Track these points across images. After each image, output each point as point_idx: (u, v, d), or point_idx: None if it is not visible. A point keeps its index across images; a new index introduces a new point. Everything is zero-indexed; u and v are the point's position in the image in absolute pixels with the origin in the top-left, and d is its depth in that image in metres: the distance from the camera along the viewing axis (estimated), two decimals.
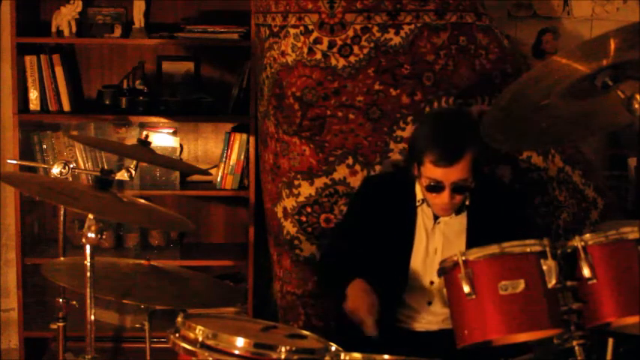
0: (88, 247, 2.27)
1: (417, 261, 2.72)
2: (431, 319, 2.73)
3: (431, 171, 2.57)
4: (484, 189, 2.72)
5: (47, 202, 3.64)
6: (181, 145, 4.07)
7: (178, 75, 4.07)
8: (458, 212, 2.70)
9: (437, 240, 2.72)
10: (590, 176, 3.40)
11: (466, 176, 2.56)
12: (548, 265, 2.12)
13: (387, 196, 2.79)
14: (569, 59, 2.02)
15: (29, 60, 3.83)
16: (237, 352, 2.04)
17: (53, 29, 3.86)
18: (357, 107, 3.23)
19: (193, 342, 2.08)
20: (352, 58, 3.22)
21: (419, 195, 2.73)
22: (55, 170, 2.88)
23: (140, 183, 3.89)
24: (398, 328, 2.74)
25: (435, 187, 2.59)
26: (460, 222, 2.72)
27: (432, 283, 2.71)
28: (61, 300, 3.03)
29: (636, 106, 2.02)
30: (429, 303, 2.72)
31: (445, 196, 2.58)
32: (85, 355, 2.35)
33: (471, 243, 2.66)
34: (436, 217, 2.71)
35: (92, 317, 2.30)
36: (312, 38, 3.23)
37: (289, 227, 3.32)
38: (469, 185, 2.59)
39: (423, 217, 2.73)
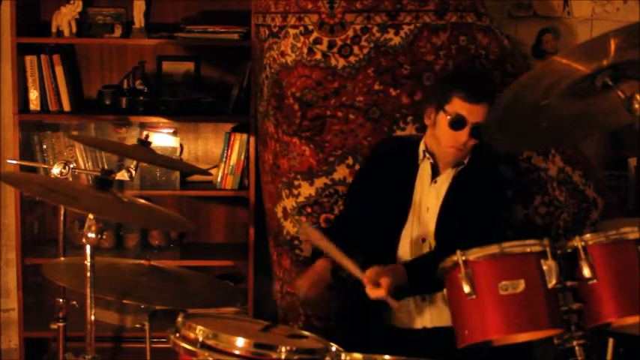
0: (88, 247, 2.27)
1: (412, 219, 2.79)
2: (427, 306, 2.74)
3: (458, 106, 2.69)
4: (479, 161, 2.81)
5: (47, 202, 3.64)
6: (181, 145, 4.07)
7: (178, 75, 4.07)
8: (454, 167, 2.79)
9: (431, 198, 2.79)
10: (590, 176, 3.40)
11: (484, 120, 2.66)
12: (549, 265, 2.12)
13: (391, 152, 2.91)
14: (569, 59, 2.02)
15: (29, 60, 3.83)
16: (237, 352, 2.04)
17: (53, 29, 3.85)
18: (357, 107, 3.23)
19: (193, 342, 2.08)
20: (352, 58, 3.22)
21: (421, 150, 2.82)
22: (55, 170, 2.88)
23: (140, 183, 3.89)
24: (397, 328, 2.74)
25: (459, 122, 2.69)
26: (449, 182, 2.80)
27: (423, 240, 2.77)
28: (61, 300, 3.03)
29: (636, 106, 2.02)
30: None
31: (464, 133, 2.69)
32: (85, 355, 2.35)
33: (446, 203, 2.76)
34: (434, 175, 2.79)
35: (92, 317, 2.30)
36: (311, 38, 3.23)
37: (289, 227, 3.32)
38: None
39: (423, 174, 2.81)
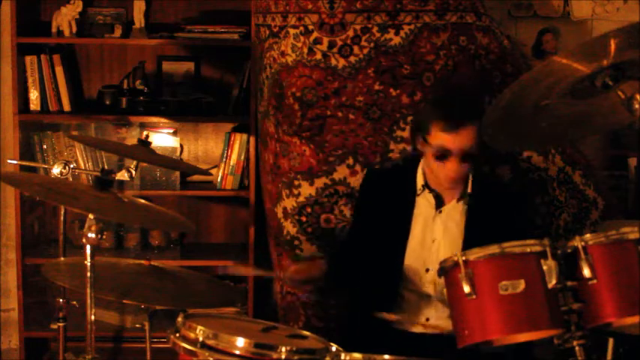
0: (88, 247, 2.27)
1: (413, 250, 2.74)
2: (430, 314, 2.74)
3: (439, 138, 2.60)
4: (485, 184, 2.77)
5: (47, 202, 3.64)
6: (181, 145, 4.07)
7: (178, 75, 4.07)
8: (460, 199, 2.72)
9: (437, 230, 2.73)
10: (590, 176, 3.40)
11: (472, 144, 2.59)
12: (549, 265, 2.12)
13: (386, 185, 2.84)
14: (569, 59, 2.01)
15: (29, 60, 3.83)
16: (237, 352, 2.04)
17: (53, 29, 3.86)
18: (357, 107, 3.23)
19: (194, 342, 2.08)
20: (352, 58, 3.22)
21: (419, 183, 2.75)
22: (55, 170, 2.88)
23: (140, 183, 3.89)
24: (395, 330, 2.74)
25: (443, 155, 2.61)
26: (461, 212, 2.74)
27: (427, 270, 2.72)
28: (61, 300, 3.03)
29: (636, 106, 2.02)
30: (427, 296, 2.73)
31: (453, 162, 2.60)
32: (85, 355, 2.35)
33: (469, 235, 2.70)
34: (438, 206, 2.73)
35: (92, 317, 2.30)
36: (312, 38, 3.23)
37: (289, 227, 3.32)
38: (475, 154, 2.61)
39: (425, 205, 2.75)
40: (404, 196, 2.77)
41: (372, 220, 2.81)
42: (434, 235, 2.73)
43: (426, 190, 2.74)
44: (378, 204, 2.81)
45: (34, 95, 3.85)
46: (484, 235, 2.63)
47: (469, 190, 2.72)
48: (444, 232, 2.73)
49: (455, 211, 2.74)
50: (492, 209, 2.72)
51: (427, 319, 2.73)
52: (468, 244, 2.67)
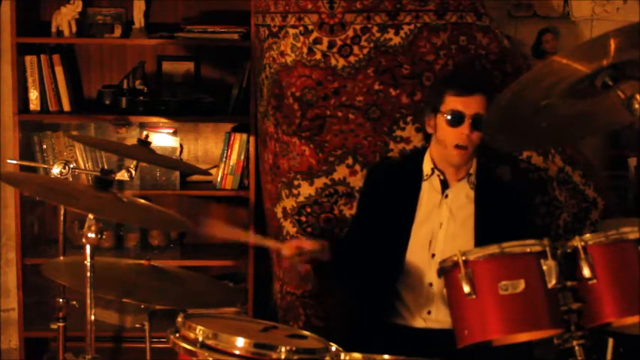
0: (88, 247, 2.27)
1: (419, 235, 2.75)
2: (431, 306, 2.73)
3: (452, 103, 2.70)
4: (488, 175, 2.82)
5: (47, 202, 3.64)
6: (181, 145, 4.07)
7: (178, 75, 4.07)
8: (462, 178, 2.76)
9: (443, 214, 2.75)
10: (590, 176, 3.40)
11: (483, 112, 2.67)
12: (548, 265, 2.12)
13: (393, 173, 2.88)
14: (569, 59, 2.01)
15: (29, 60, 3.83)
16: (237, 352, 2.05)
17: (53, 29, 3.86)
18: (357, 107, 3.23)
19: (193, 342, 2.08)
20: (352, 58, 3.22)
21: (427, 167, 2.79)
22: (55, 170, 2.88)
23: (140, 183, 3.89)
24: (398, 325, 2.74)
25: (456, 119, 2.68)
26: (467, 194, 2.76)
27: (433, 255, 2.73)
28: (61, 300, 3.03)
29: (636, 106, 2.02)
30: (430, 284, 2.73)
31: (465, 127, 2.67)
32: (85, 355, 2.35)
33: (479, 230, 2.72)
34: (443, 189, 2.75)
35: (92, 317, 2.30)
36: (311, 38, 3.23)
37: (289, 227, 3.32)
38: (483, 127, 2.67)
39: (430, 190, 2.77)
40: (409, 183, 2.80)
41: (378, 208, 2.82)
42: (440, 219, 2.75)
43: (434, 174, 2.77)
44: (383, 192, 2.84)
45: (33, 95, 3.85)
46: (493, 220, 2.69)
47: (472, 170, 2.76)
48: (450, 215, 2.74)
49: (460, 193, 2.76)
50: (497, 199, 2.77)
51: (429, 312, 2.73)
52: (479, 226, 2.73)
